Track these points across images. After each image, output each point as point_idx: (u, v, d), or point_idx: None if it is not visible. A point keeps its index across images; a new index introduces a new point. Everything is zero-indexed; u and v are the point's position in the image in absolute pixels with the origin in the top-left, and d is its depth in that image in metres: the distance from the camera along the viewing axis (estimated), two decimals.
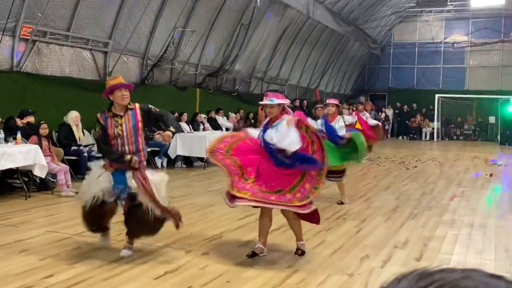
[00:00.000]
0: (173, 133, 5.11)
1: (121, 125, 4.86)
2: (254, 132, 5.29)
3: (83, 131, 10.22)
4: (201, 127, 13.10)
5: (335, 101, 8.10)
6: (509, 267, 5.09)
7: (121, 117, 4.90)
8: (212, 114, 14.15)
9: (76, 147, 9.59)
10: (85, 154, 9.51)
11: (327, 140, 7.12)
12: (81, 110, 10.02)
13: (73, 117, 9.74)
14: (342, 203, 7.91)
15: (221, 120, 14.25)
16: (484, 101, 24.47)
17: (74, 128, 9.73)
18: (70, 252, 5.14)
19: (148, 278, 4.41)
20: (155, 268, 4.64)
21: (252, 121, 8.15)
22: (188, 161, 12.20)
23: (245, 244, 5.51)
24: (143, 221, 4.80)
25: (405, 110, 25.21)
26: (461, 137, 25.06)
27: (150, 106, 5.10)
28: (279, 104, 4.91)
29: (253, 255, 4.97)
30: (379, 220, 7.00)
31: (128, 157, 4.86)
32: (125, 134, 4.87)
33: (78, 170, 9.36)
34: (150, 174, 5.01)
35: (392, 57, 26.81)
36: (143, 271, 4.56)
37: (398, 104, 25.54)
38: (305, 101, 19.37)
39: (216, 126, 13.80)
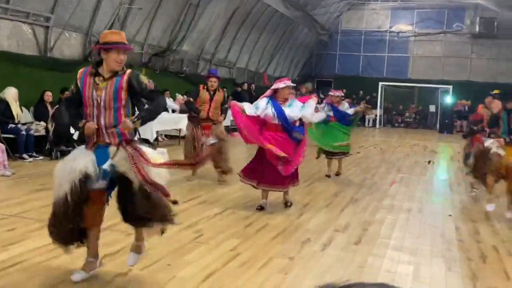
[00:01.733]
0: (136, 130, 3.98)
1: (101, 89, 3.84)
2: (250, 107, 6.45)
3: (21, 108, 9.82)
4: (146, 108, 12.84)
5: (340, 93, 9.56)
6: (444, 251, 5.30)
7: (105, 79, 3.86)
8: None
9: (13, 125, 9.20)
10: (23, 133, 9.15)
11: (335, 122, 9.13)
12: (19, 87, 9.61)
13: (12, 93, 9.34)
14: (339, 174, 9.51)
15: (167, 101, 14.02)
16: (425, 90, 25.30)
17: (12, 104, 9.32)
18: (5, 233, 4.94)
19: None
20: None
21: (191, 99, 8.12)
22: None
23: (187, 227, 5.47)
24: (143, 204, 3.80)
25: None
26: (403, 124, 25.83)
27: (142, 78, 4.03)
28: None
29: (261, 208, 6.43)
30: (321, 204, 7.12)
31: (83, 122, 3.89)
32: (102, 102, 3.83)
33: (16, 149, 9.00)
34: (146, 149, 3.97)
35: (339, 44, 27.17)
36: (82, 254, 4.45)
37: (344, 90, 25.95)
38: (253, 85, 19.37)
39: None
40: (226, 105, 8.23)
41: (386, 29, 26.50)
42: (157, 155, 3.97)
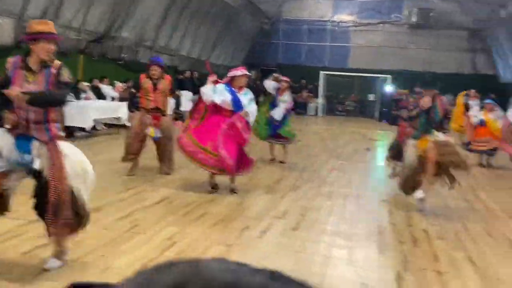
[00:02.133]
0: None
1: (31, 83, 3.74)
2: (209, 92, 6.56)
3: None
4: (83, 95, 12.48)
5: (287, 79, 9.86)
6: (378, 235, 5.46)
7: (34, 72, 3.78)
8: (96, 82, 13.52)
9: None
10: None
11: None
12: None
13: None
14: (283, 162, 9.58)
15: (105, 89, 13.67)
16: (365, 80, 25.88)
17: None
18: None
19: (16, 253, 4.14)
20: (24, 243, 4.36)
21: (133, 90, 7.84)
22: (69, 131, 11.58)
23: (123, 218, 5.37)
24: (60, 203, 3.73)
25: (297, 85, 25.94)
26: (344, 113, 26.34)
27: (67, 72, 3.88)
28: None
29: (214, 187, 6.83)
30: (262, 191, 7.17)
31: (6, 113, 3.86)
32: None
33: None
34: (68, 148, 3.92)
35: (282, 33, 27.30)
36: (12, 247, 4.28)
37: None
38: (195, 73, 19.17)
39: (100, 95, 13.22)
40: (176, 92, 8.18)
41: (328, 18, 26.85)
42: (78, 154, 3.95)
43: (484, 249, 5.18)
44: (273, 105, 9.49)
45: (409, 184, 6.59)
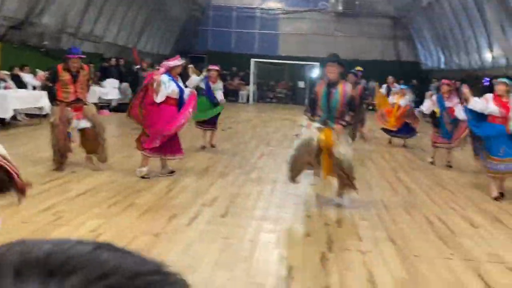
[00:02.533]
0: None
1: None
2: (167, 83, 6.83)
3: None
4: (2, 84, 11.87)
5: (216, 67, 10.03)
6: (304, 218, 5.59)
7: None
8: (16, 70, 12.89)
9: None
10: None
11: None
12: None
13: None
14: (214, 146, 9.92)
15: (26, 77, 13.06)
16: (294, 67, 26.24)
17: None
18: None
19: None
20: None
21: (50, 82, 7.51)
22: None
23: (46, 209, 5.18)
24: None
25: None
26: (274, 100, 26.62)
27: None
28: None
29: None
30: (191, 179, 7.13)
31: None
32: None
33: None
34: None
35: (212, 19, 27.12)
36: None
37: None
38: (121, 60, 18.69)
39: (20, 84, 12.62)
40: (91, 82, 7.91)
41: (257, 6, 26.93)
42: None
43: (403, 227, 5.43)
44: (209, 96, 9.58)
45: (295, 167, 6.21)
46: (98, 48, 18.61)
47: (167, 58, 22.96)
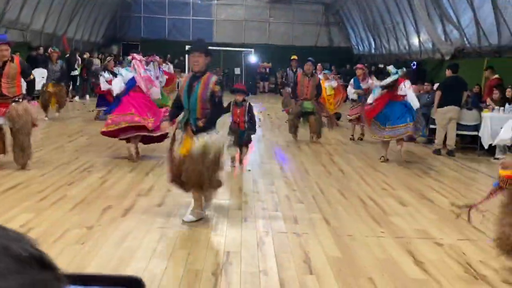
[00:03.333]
0: None
1: None
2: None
3: None
4: None
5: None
6: (242, 204, 5.62)
7: None
8: None
9: None
10: None
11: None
12: None
13: None
14: None
15: None
16: (230, 53, 26.16)
17: None
18: None
19: None
20: None
21: None
22: None
23: None
24: None
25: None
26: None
27: None
28: None
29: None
30: (125, 170, 7.00)
31: None
32: None
33: None
34: None
35: (144, 6, 26.54)
36: None
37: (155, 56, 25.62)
38: (50, 49, 17.92)
39: None
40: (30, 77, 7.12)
41: None
42: None
43: (338, 208, 5.58)
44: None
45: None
46: (24, 36, 17.79)
47: (98, 45, 22.24)
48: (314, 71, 10.75)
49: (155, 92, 7.89)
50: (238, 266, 3.85)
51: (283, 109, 12.68)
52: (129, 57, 9.28)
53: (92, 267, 3.67)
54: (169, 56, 25.41)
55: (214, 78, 4.82)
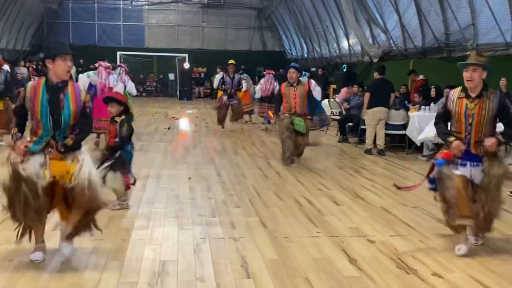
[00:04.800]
0: None
1: None
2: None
3: None
4: None
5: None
6: (178, 211, 5.55)
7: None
8: None
9: None
10: None
11: None
12: None
13: None
14: None
15: None
16: (163, 59, 25.91)
17: None
18: None
19: None
20: None
21: None
22: None
23: None
24: None
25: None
26: (144, 93, 26.06)
27: None
28: None
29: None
30: None
31: None
32: None
33: None
34: None
35: (72, 12, 25.78)
36: None
37: (81, 61, 24.89)
38: None
39: None
40: None
41: None
42: None
43: (275, 211, 5.62)
44: None
45: None
46: None
47: (25, 54, 21.38)
48: (299, 78, 8.48)
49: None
50: (175, 274, 3.80)
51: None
52: (96, 64, 10.12)
53: (22, 284, 3.52)
54: (81, 61, 24.70)
55: (82, 86, 4.02)
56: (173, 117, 16.04)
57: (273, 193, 6.45)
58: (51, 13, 25.30)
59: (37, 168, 3.78)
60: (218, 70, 16.69)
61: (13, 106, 11.84)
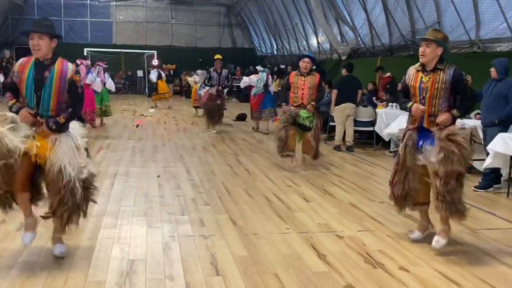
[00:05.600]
0: None
1: None
2: None
3: None
4: None
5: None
6: (147, 209, 5.50)
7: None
8: None
9: None
10: None
11: None
12: None
13: None
14: None
15: None
16: (132, 56, 25.59)
17: None
18: None
19: None
20: None
21: None
22: None
23: None
24: None
25: None
26: (113, 91, 25.66)
27: None
28: None
29: None
30: None
31: None
32: None
33: None
34: None
35: (38, 8, 25.23)
36: None
37: None
38: None
39: None
40: None
41: None
42: None
43: (244, 208, 5.63)
44: None
45: None
46: None
47: None
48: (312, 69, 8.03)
49: None
50: (143, 273, 3.76)
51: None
52: (77, 61, 11.01)
53: None
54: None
55: (71, 65, 3.97)
56: (142, 115, 15.88)
57: (243, 190, 6.45)
58: (16, 8, 24.71)
59: (22, 139, 3.76)
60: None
61: None
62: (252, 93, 12.75)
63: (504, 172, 6.64)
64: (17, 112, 3.87)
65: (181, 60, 25.08)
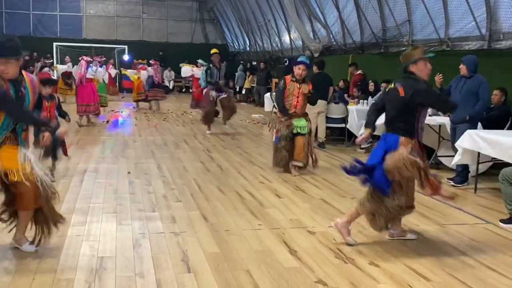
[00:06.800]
0: None
1: None
2: None
3: None
4: None
5: None
6: (116, 206, 5.43)
7: None
8: None
9: None
10: None
11: None
12: None
13: None
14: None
15: None
16: (102, 50, 25.16)
17: None
18: None
19: None
20: None
21: None
22: None
23: None
24: None
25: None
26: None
27: None
28: None
29: None
30: None
31: None
32: None
33: None
34: None
35: (5, 1, 24.61)
36: None
37: (35, 54, 23.85)
38: None
39: None
40: None
41: None
42: None
43: (216, 204, 5.61)
44: None
45: None
46: None
47: None
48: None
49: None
50: (113, 271, 3.71)
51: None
52: (80, 58, 12.62)
53: None
54: (35, 54, 23.86)
55: (34, 77, 4.04)
56: (112, 110, 15.68)
57: (215, 187, 6.43)
58: None
59: None
60: (198, 65, 15.79)
61: None
62: (202, 86, 12.45)
63: (472, 169, 6.77)
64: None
65: (153, 55, 24.79)
